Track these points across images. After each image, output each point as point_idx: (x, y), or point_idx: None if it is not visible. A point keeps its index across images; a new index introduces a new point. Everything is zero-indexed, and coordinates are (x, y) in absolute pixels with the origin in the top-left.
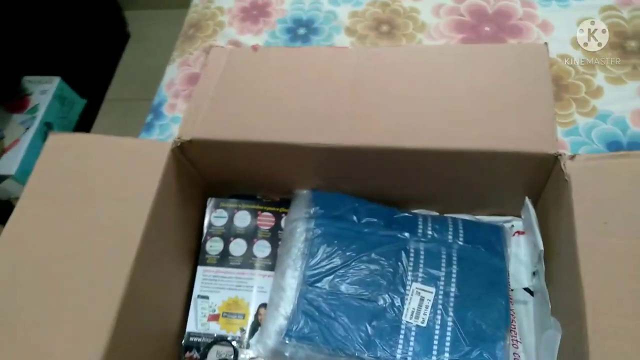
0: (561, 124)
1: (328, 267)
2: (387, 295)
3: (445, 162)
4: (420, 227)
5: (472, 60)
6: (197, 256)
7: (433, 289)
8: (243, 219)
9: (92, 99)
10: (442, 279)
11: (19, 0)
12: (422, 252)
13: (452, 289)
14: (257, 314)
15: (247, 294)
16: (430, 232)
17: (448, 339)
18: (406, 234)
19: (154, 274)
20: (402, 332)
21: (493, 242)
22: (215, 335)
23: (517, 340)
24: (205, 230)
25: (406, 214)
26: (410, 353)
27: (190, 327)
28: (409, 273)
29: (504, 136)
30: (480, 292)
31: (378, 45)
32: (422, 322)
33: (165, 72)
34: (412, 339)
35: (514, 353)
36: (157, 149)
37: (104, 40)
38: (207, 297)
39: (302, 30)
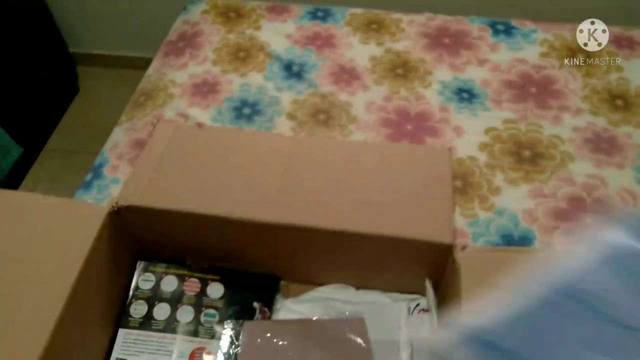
0: (465, 216)
1: None
2: None
3: (357, 243)
4: None
5: (387, 157)
6: (120, 318)
7: None
8: (170, 283)
9: (30, 147)
10: None
11: None
12: None
13: None
14: None
15: (166, 358)
16: None
17: None
18: None
19: (76, 334)
20: None
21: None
22: None
23: None
24: (131, 293)
25: None
26: None
27: None
28: None
29: (408, 225)
30: None
31: (315, 130)
32: None
33: (112, 135)
34: None
35: None
36: (94, 212)
37: (52, 91)
38: None
39: (247, 110)
